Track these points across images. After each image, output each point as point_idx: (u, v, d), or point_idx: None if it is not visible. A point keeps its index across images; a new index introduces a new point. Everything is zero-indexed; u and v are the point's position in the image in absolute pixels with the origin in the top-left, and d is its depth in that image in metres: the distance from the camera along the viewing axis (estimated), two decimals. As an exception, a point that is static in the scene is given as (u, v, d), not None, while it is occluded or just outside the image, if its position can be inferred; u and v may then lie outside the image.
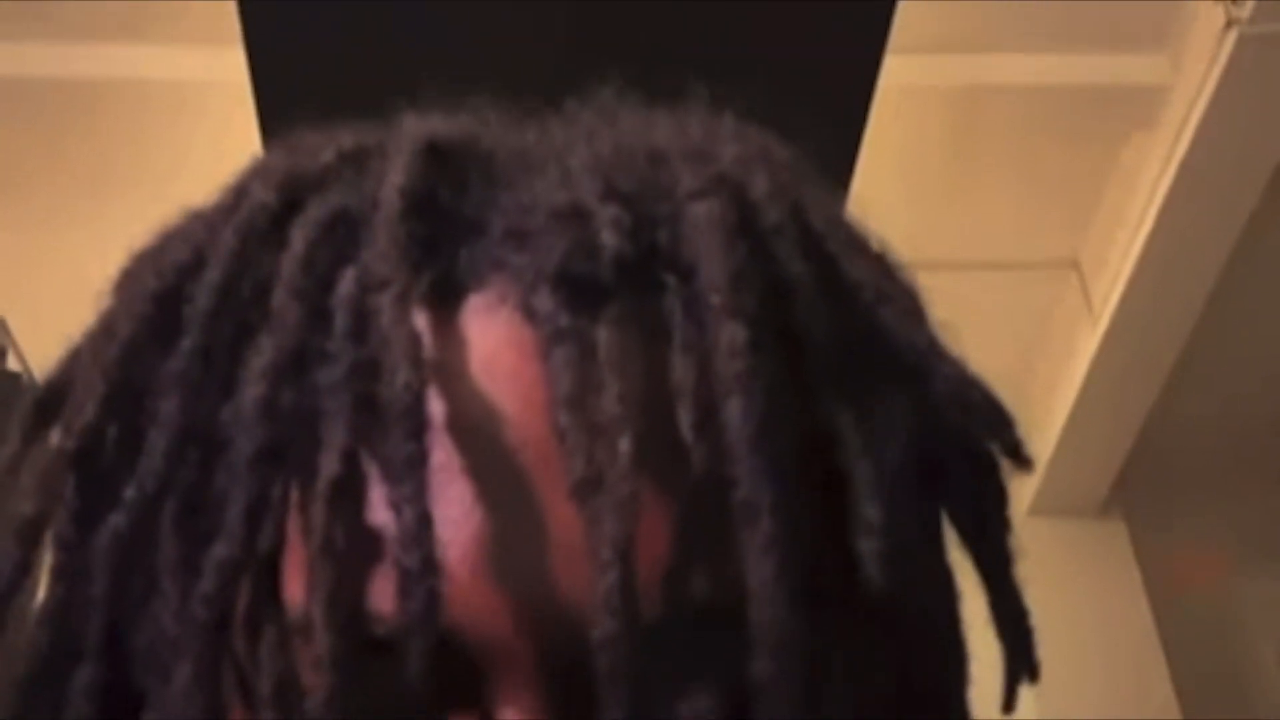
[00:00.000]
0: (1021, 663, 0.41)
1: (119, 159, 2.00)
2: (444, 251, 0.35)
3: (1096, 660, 2.58)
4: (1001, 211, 2.24)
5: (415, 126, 0.38)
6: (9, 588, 0.36)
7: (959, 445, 0.39)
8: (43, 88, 1.92)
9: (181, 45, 1.81)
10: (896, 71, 1.61)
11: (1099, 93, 2.06)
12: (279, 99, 1.50)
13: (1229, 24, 1.74)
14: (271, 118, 1.50)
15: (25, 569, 0.36)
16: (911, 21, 1.54)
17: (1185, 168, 1.94)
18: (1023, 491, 2.73)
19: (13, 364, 2.56)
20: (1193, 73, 1.88)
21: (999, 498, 0.41)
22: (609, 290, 0.34)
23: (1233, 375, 2.42)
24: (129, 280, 0.39)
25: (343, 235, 0.35)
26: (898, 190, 2.16)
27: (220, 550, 0.33)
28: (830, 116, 1.64)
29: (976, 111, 2.10)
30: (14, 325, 2.53)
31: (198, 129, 1.88)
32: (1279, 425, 2.48)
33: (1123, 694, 2.57)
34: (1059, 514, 2.67)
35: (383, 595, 0.32)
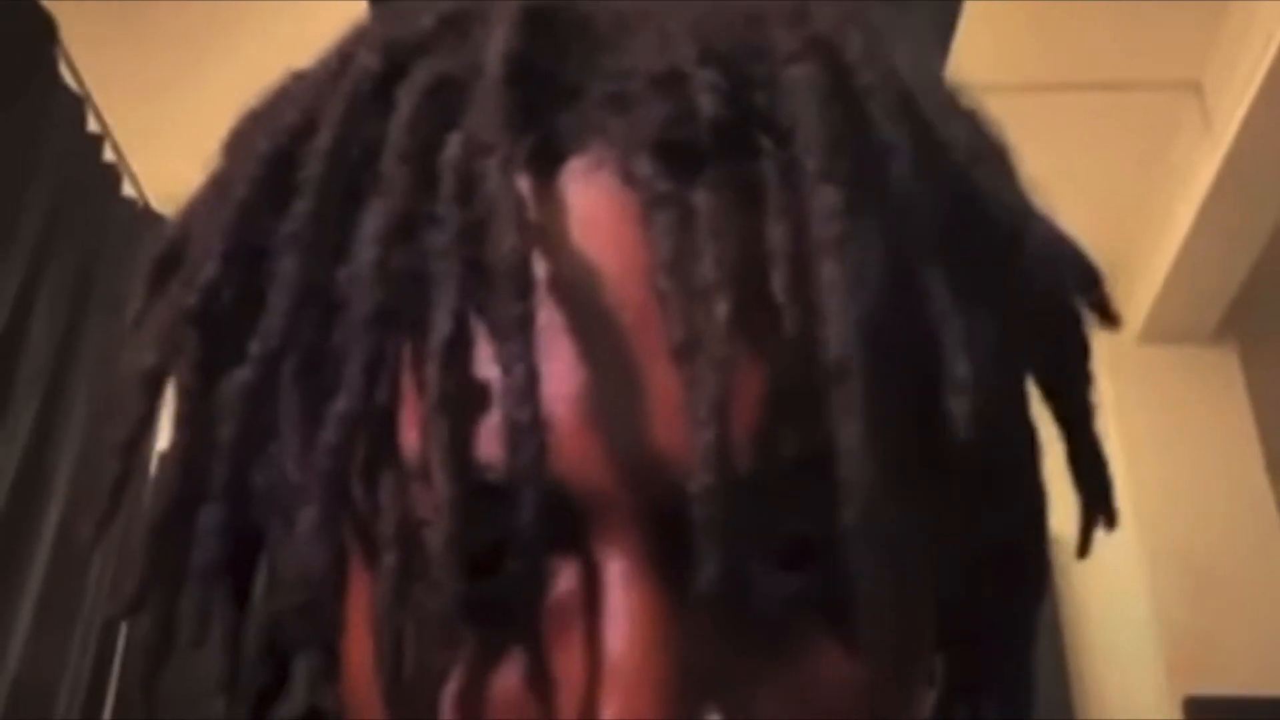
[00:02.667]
0: (1099, 511, 0.42)
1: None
2: (544, 116, 0.36)
3: (1203, 487, 2.57)
4: (1121, 30, 2.16)
5: None
6: (136, 434, 0.39)
7: (1047, 302, 0.39)
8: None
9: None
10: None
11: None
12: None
13: None
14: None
15: (150, 417, 0.39)
16: None
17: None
18: (1134, 318, 2.70)
19: (128, 190, 2.61)
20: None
21: (1083, 353, 0.41)
22: (706, 155, 0.35)
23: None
24: (240, 141, 0.41)
25: (447, 100, 0.36)
26: (1016, 9, 2.09)
27: (342, 404, 0.35)
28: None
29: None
30: (136, 147, 2.58)
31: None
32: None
33: (1228, 521, 2.57)
34: (1170, 340, 2.63)
35: (491, 444, 0.34)
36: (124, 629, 2.37)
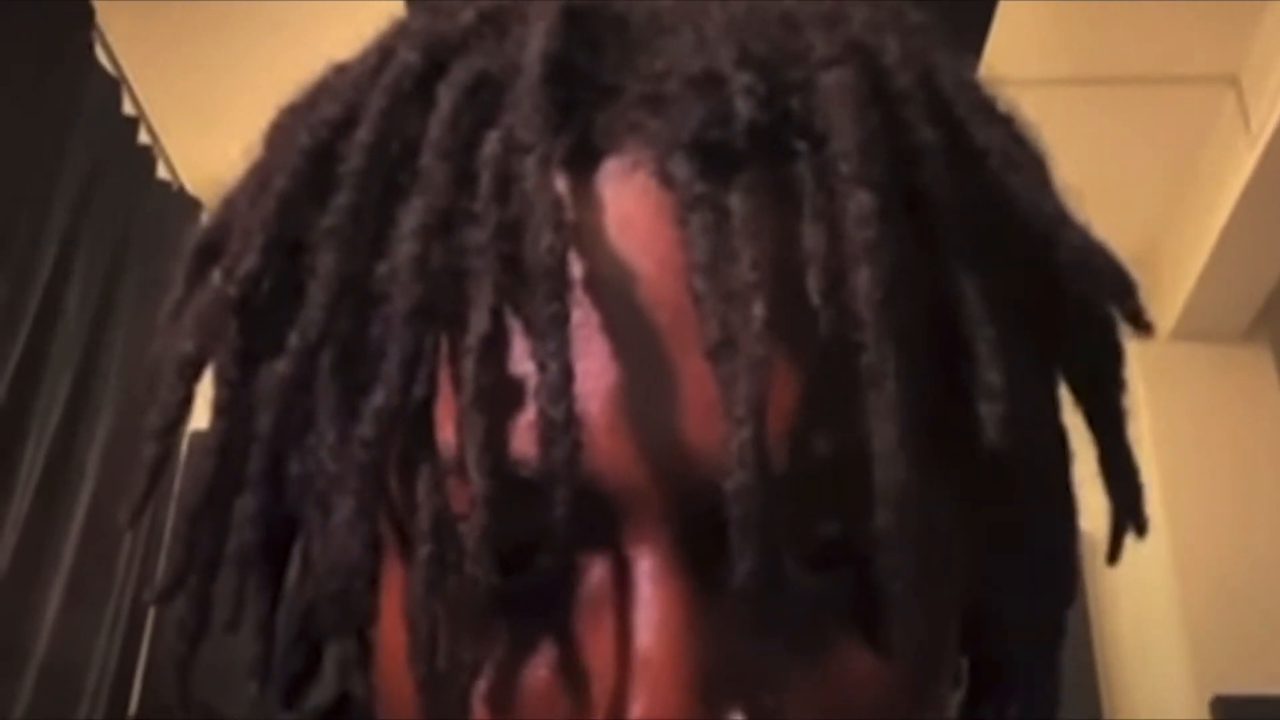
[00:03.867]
0: (1130, 519, 0.42)
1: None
2: (581, 115, 0.37)
3: (1233, 485, 2.55)
4: (1158, 24, 2.15)
5: None
6: (174, 420, 0.39)
7: (1080, 309, 0.39)
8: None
9: None
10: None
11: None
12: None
13: None
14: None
15: (187, 403, 0.39)
16: None
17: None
18: (1167, 315, 2.68)
19: (163, 173, 2.63)
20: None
21: (1115, 359, 0.41)
22: (743, 157, 0.35)
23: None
24: (281, 134, 0.41)
25: (486, 99, 0.37)
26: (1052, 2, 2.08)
27: (379, 398, 0.35)
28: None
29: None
30: (171, 130, 2.59)
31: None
32: None
33: (1258, 519, 2.55)
34: (1202, 338, 2.62)
35: (526, 441, 0.34)
36: (152, 611, 2.39)
